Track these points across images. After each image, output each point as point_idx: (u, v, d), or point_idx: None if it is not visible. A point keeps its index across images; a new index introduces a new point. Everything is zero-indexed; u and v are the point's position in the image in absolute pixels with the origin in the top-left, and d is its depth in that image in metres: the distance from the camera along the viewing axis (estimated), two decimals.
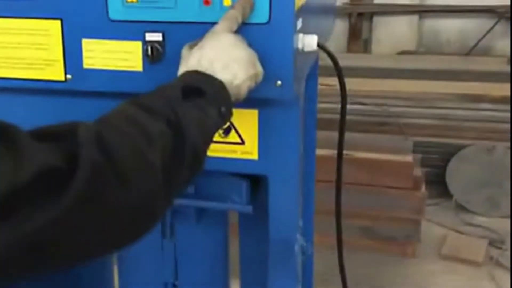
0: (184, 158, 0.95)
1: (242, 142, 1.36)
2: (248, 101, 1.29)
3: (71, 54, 1.30)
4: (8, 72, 1.34)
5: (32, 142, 0.81)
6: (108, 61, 1.29)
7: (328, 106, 5.03)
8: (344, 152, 4.22)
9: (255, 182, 1.43)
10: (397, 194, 3.56)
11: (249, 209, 1.43)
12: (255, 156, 1.36)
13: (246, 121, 1.34)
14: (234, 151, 1.37)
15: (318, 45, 1.26)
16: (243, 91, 1.14)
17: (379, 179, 3.59)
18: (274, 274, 1.43)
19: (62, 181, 0.78)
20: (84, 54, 1.30)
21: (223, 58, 1.11)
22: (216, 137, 1.36)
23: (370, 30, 6.53)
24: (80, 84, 1.32)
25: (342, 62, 1.38)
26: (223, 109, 1.07)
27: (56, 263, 0.84)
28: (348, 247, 3.72)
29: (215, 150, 1.36)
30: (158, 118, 0.95)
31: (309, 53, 1.28)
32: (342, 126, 1.51)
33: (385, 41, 6.43)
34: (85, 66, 1.30)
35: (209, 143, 1.06)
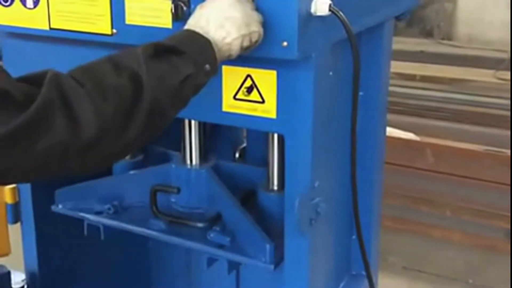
0: (141, 107, 1.08)
1: (263, 101, 1.44)
2: (266, 62, 1.39)
3: (117, 10, 1.46)
4: (65, 24, 1.53)
5: (10, 80, 1.01)
6: (144, 18, 1.43)
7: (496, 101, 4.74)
8: (497, 149, 4.04)
9: None
10: None
11: (271, 268, 1.54)
12: (273, 115, 1.43)
13: (266, 81, 1.42)
14: (255, 109, 1.45)
15: (331, 10, 1.31)
16: (235, 47, 1.26)
17: None
18: (289, 234, 1.50)
19: (15, 110, 0.96)
20: (127, 11, 1.45)
21: (218, 17, 1.25)
22: (240, 95, 1.46)
23: None
24: (123, 38, 1.47)
25: None
26: (207, 66, 1.19)
27: None
28: (491, 248, 3.57)
29: (238, 107, 1.46)
30: (121, 73, 1.09)
31: (329, 19, 1.34)
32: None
33: None
34: (127, 22, 1.46)
35: (179, 96, 1.17)
